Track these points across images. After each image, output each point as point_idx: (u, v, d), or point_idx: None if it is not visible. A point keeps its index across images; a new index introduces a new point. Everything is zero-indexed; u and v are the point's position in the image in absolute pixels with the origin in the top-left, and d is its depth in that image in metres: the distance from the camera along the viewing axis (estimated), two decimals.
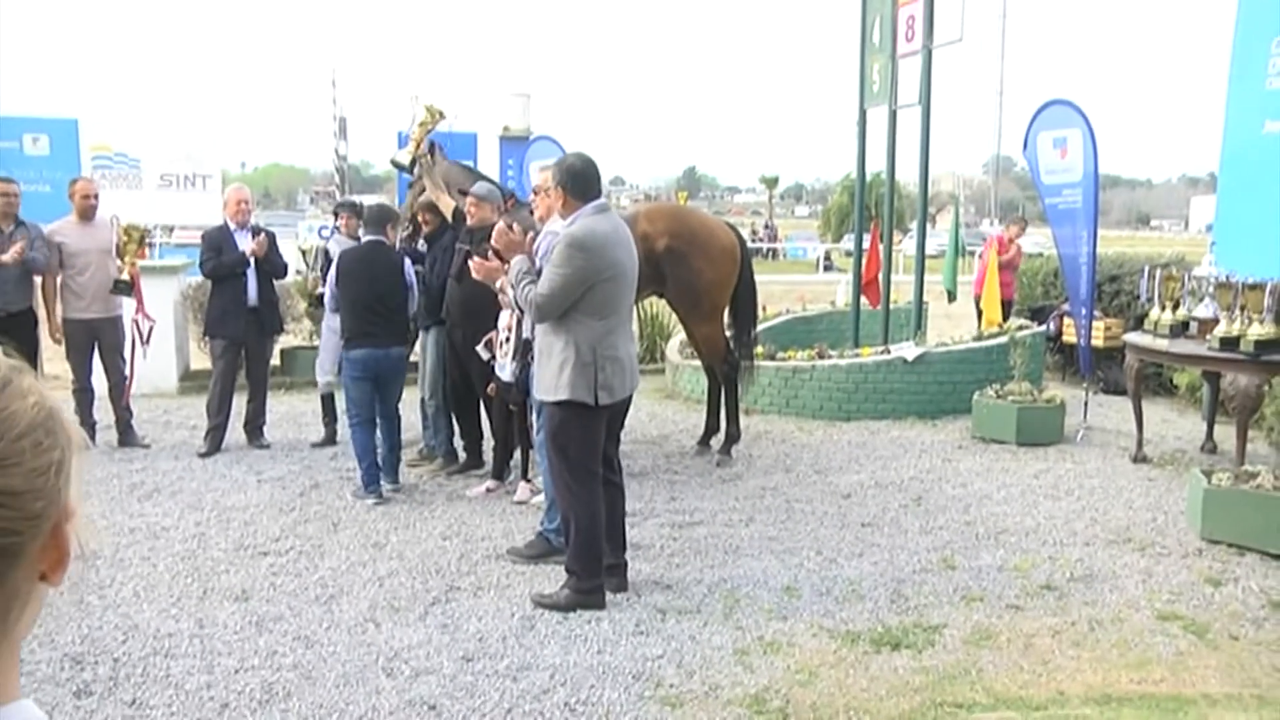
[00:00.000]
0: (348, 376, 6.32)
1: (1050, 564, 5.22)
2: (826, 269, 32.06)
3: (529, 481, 6.40)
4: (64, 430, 0.80)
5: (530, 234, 4.71)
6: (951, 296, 12.05)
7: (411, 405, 7.38)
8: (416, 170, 7.08)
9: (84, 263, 7.30)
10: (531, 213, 6.28)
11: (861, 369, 8.91)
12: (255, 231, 7.54)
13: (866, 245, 10.65)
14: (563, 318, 4.37)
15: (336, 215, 7.98)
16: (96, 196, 7.52)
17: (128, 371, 7.65)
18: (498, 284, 5.06)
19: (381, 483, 6.35)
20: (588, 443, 4.52)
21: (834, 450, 7.76)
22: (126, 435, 7.64)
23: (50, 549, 0.81)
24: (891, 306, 10.26)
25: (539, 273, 4.49)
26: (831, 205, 49.97)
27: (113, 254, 7.40)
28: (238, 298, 7.40)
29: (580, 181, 4.46)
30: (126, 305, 7.58)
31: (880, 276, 10.37)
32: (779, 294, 16.59)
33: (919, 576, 5.03)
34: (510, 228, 4.69)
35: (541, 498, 6.22)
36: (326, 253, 7.71)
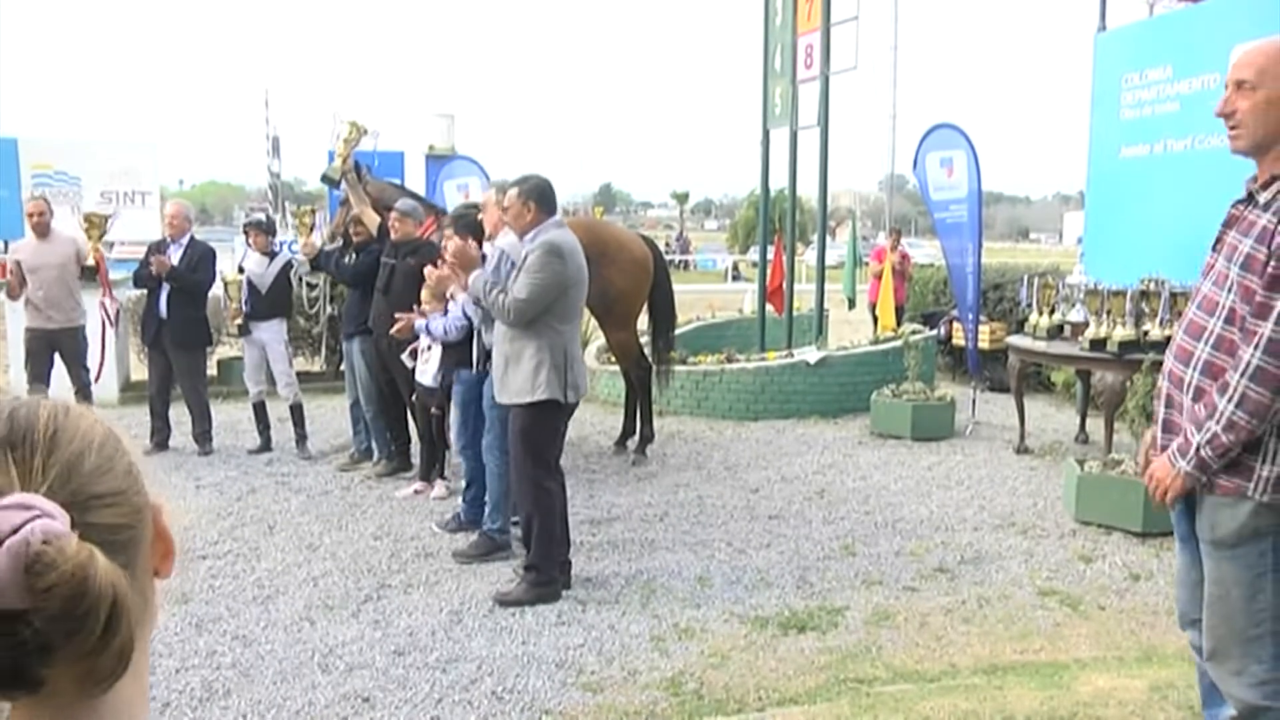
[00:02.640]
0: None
1: (943, 548, 5.35)
2: (734, 279, 32.34)
3: (445, 480, 6.41)
4: (120, 437, 0.87)
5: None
6: (851, 303, 12.31)
7: (341, 411, 7.27)
8: (343, 185, 6.97)
9: (42, 277, 7.26)
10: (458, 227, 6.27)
11: (767, 372, 9.01)
12: (189, 247, 7.39)
13: (771, 256, 10.78)
14: (533, 323, 4.42)
15: (246, 233, 7.76)
16: (46, 214, 7.42)
17: (97, 361, 7.61)
18: (449, 291, 5.09)
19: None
20: (557, 440, 4.61)
21: (743, 448, 7.82)
22: None
23: (157, 540, 0.86)
24: (795, 313, 10.38)
25: (499, 283, 4.54)
26: (739, 219, 50.44)
27: (71, 263, 7.36)
28: (152, 309, 7.38)
29: (547, 198, 4.60)
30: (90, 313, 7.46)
31: (784, 285, 10.50)
32: (690, 302, 16.65)
33: (823, 564, 5.11)
34: (463, 246, 4.82)
35: (439, 489, 6.28)
36: (246, 275, 7.47)
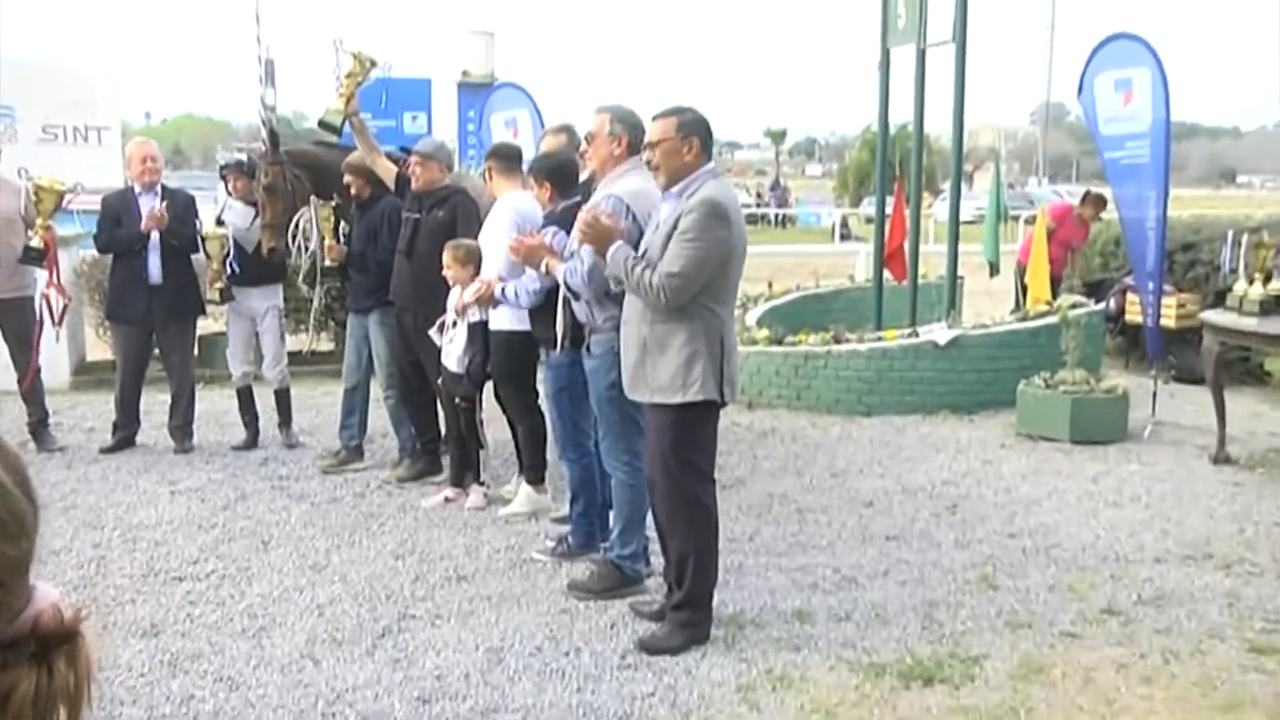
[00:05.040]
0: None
1: (1113, 584, 5.24)
2: (843, 238, 32.03)
3: (483, 485, 6.48)
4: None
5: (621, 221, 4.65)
6: (994, 269, 12.08)
7: (336, 397, 7.50)
8: (348, 130, 7.03)
9: None
10: (487, 178, 6.33)
11: (885, 355, 8.93)
12: (165, 195, 7.51)
13: (890, 210, 10.66)
14: (684, 305, 4.36)
15: (225, 179, 7.86)
16: None
17: (52, 357, 7.79)
18: (543, 266, 5.10)
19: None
20: (712, 449, 4.62)
21: (853, 450, 7.79)
22: (42, 437, 7.66)
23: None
24: (920, 281, 10.28)
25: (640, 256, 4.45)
26: (849, 163, 49.94)
27: (18, 217, 7.34)
28: (137, 275, 7.40)
29: (711, 137, 4.49)
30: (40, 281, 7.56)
31: (906, 246, 10.39)
32: (788, 267, 16.59)
33: (955, 598, 5.06)
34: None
35: (514, 503, 6.29)
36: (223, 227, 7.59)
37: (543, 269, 5.16)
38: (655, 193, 4.66)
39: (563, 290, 5.11)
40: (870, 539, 5.90)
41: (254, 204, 7.49)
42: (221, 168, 8.23)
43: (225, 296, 7.58)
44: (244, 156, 8.43)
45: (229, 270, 7.49)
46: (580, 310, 5.04)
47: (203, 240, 7.57)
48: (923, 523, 6.17)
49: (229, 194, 7.78)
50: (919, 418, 8.69)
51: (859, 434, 8.27)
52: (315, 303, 7.58)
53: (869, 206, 35.83)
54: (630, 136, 4.88)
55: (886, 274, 10.64)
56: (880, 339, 9.18)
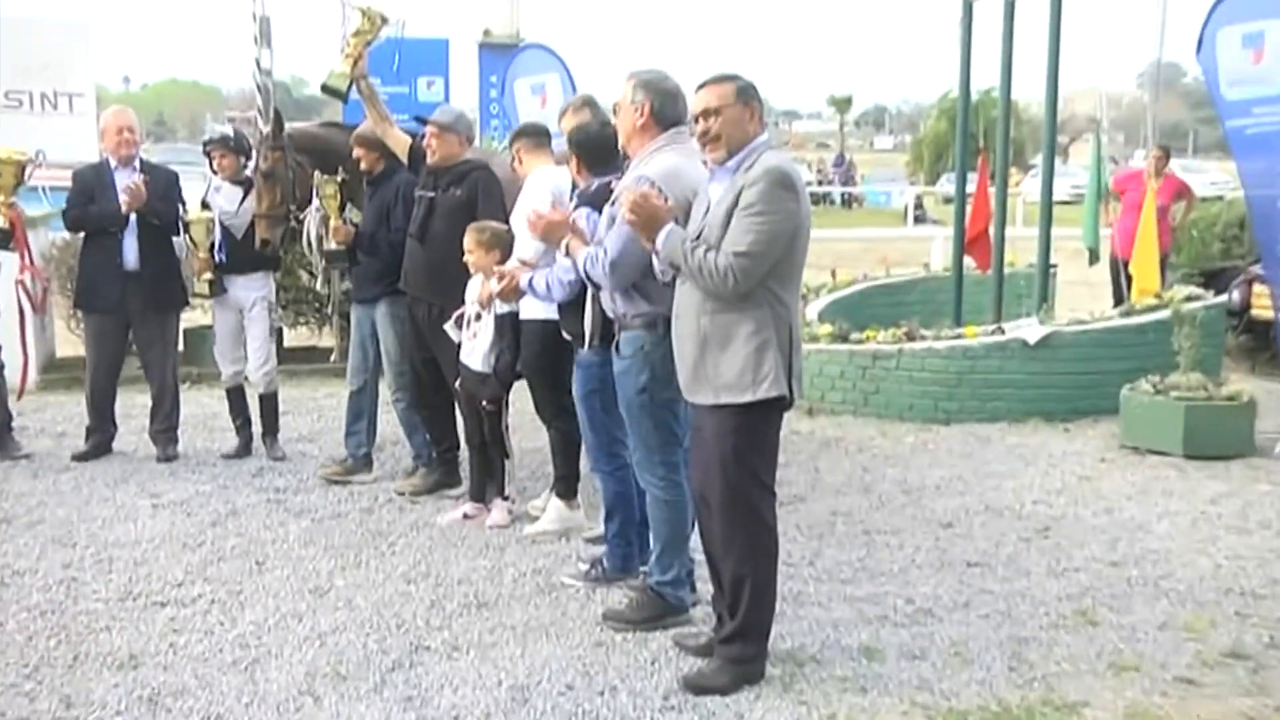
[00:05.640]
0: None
1: (1239, 623, 5.18)
2: (918, 220, 32.05)
3: (507, 500, 6.51)
4: None
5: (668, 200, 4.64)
6: (1092, 256, 12.01)
7: (340, 399, 7.55)
8: (355, 95, 7.05)
9: None
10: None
11: (966, 354, 8.91)
12: (145, 171, 7.57)
13: (972, 188, 10.60)
14: (750, 291, 4.36)
15: (209, 156, 7.86)
16: None
17: (17, 354, 7.70)
18: (564, 246, 5.11)
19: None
20: (775, 456, 4.62)
21: (928, 463, 7.78)
22: (3, 442, 7.76)
23: None
24: (1006, 270, 10.26)
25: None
26: (925, 134, 49.93)
27: None
28: (110, 259, 7.46)
29: (762, 107, 4.53)
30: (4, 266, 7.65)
31: (991, 230, 10.34)
32: (854, 254, 16.58)
33: (1048, 635, 5.03)
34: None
35: (542, 520, 6.32)
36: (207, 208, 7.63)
37: (562, 249, 5.16)
38: (692, 172, 4.69)
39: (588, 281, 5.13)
40: (948, 565, 5.87)
41: (242, 184, 7.57)
42: (205, 143, 8.22)
43: (215, 289, 7.62)
44: (229, 130, 8.54)
45: (216, 259, 7.54)
46: (606, 303, 5.05)
47: (186, 225, 7.59)
48: (1010, 547, 6.14)
49: (214, 172, 7.82)
50: (1005, 426, 8.66)
51: (935, 444, 8.25)
52: (331, 291, 7.63)
53: (947, 184, 35.77)
54: (654, 104, 4.87)
55: (968, 261, 10.61)
56: (960, 336, 9.14)
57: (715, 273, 4.29)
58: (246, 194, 7.53)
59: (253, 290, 7.70)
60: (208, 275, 7.57)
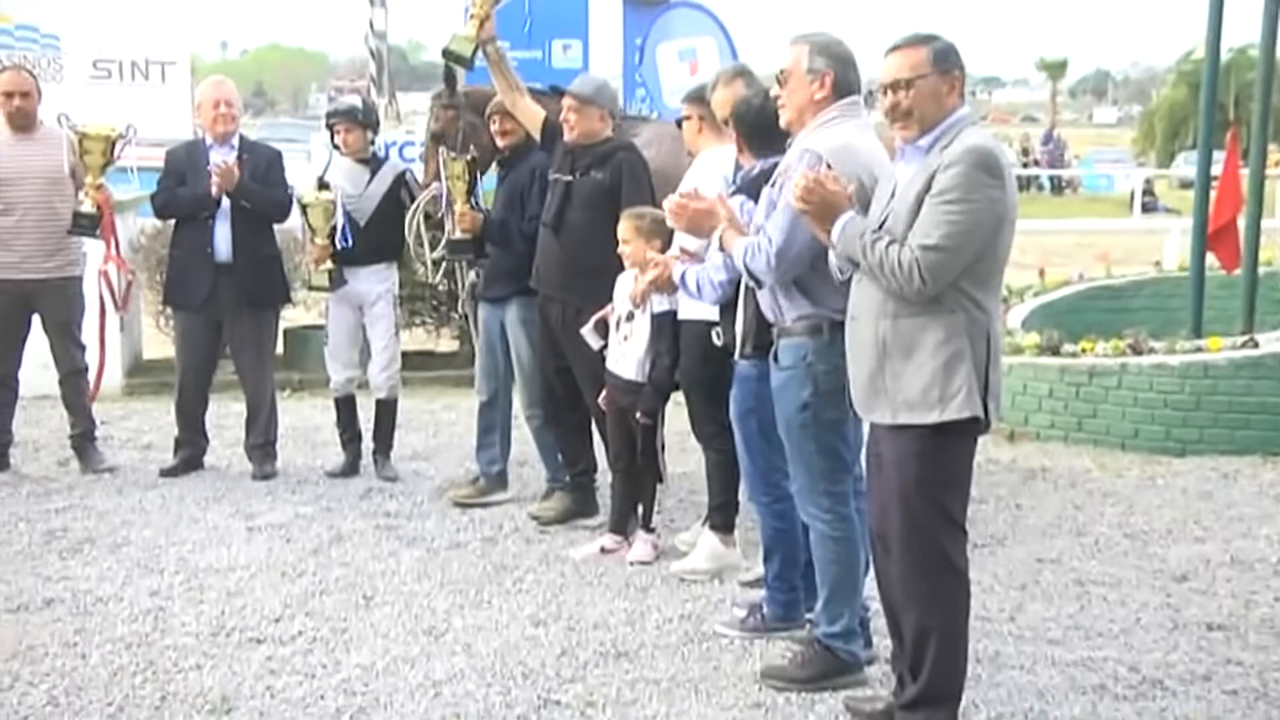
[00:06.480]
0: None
1: None
2: (1146, 209, 31.24)
3: (652, 533, 6.58)
4: None
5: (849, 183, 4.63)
6: None
7: (469, 411, 7.68)
8: (480, 62, 7.12)
9: (15, 195, 7.60)
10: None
11: (1207, 372, 8.77)
12: (243, 149, 7.81)
13: (1218, 169, 10.41)
14: (941, 292, 4.33)
15: (331, 130, 7.99)
16: (33, 94, 7.70)
17: (93, 357, 7.99)
18: (716, 237, 5.10)
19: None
20: (967, 488, 4.59)
21: (1158, 502, 7.66)
22: (87, 453, 8.05)
23: None
24: (1261, 270, 10.07)
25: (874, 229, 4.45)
26: (1157, 104, 48.69)
27: (65, 176, 7.68)
28: (200, 250, 7.67)
29: (964, 75, 4.53)
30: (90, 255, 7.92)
31: (1241, 221, 10.16)
32: (1066, 250, 16.29)
33: None
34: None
35: (692, 557, 6.36)
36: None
37: (714, 242, 5.13)
38: (867, 149, 4.69)
39: (744, 278, 5.10)
40: (1183, 628, 5.76)
41: (367, 162, 7.77)
42: (329, 115, 8.32)
43: (336, 281, 7.70)
44: (357, 100, 8.60)
45: (337, 246, 7.63)
46: (764, 303, 5.04)
47: (304, 208, 7.69)
48: (1264, 608, 6.02)
49: (337, 149, 7.95)
50: (1256, 461, 8.50)
51: (1167, 480, 8.11)
52: (461, 288, 7.72)
53: (1186, 165, 34.63)
54: (838, 73, 4.87)
55: (1211, 259, 10.38)
56: (1200, 350, 8.99)
57: (900, 269, 4.22)
58: (374, 175, 7.74)
59: (376, 283, 7.82)
60: (327, 265, 7.66)
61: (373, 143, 8.02)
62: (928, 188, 4.25)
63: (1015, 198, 4.46)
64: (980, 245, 4.27)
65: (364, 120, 7.87)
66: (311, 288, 8.15)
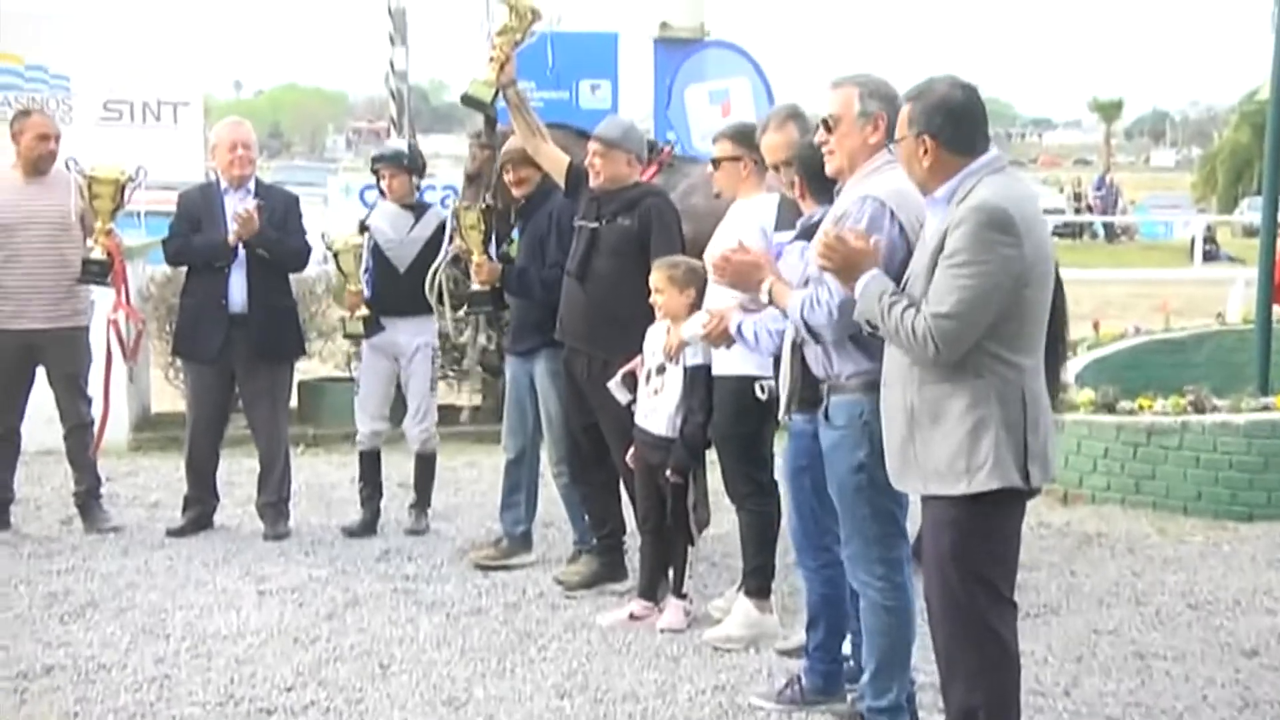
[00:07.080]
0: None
1: None
2: (1208, 258, 31.33)
3: (684, 599, 6.49)
4: None
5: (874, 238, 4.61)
6: None
7: (493, 468, 7.64)
8: (500, 105, 7.15)
9: (22, 241, 7.58)
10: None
11: (1275, 431, 8.67)
12: (259, 194, 7.78)
13: None
14: (964, 357, 4.30)
15: (377, 175, 8.10)
16: (51, 137, 7.70)
17: (96, 409, 7.92)
18: (764, 292, 4.99)
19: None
20: (1013, 559, 4.52)
21: (1224, 570, 7.55)
22: (91, 511, 7.98)
23: None
24: None
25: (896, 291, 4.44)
26: (1219, 147, 48.88)
27: (73, 221, 7.65)
28: (214, 299, 7.63)
29: (969, 124, 4.41)
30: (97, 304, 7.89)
31: None
32: (1123, 300, 16.28)
33: None
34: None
35: (726, 624, 6.28)
36: (370, 238, 7.76)
37: (764, 295, 5.04)
38: (919, 197, 4.62)
39: (792, 331, 5.04)
40: (1253, 706, 5.66)
41: (412, 208, 7.78)
42: (374, 160, 8.41)
43: (371, 328, 7.71)
44: (404, 145, 8.68)
45: (371, 293, 7.68)
46: (814, 360, 4.98)
47: (335, 255, 7.74)
48: None
49: (381, 194, 8.05)
50: None
51: (1233, 547, 8.02)
52: (480, 338, 7.73)
53: (1250, 211, 34.80)
54: (891, 117, 4.79)
55: (1278, 311, 10.28)
56: (1268, 408, 8.92)
57: (914, 336, 4.22)
58: (418, 220, 7.74)
59: (415, 335, 7.82)
60: (363, 311, 7.68)
61: (418, 188, 8.05)
62: (941, 246, 4.23)
63: (1045, 250, 4.40)
64: (999, 308, 4.22)
65: (410, 165, 7.91)
66: (347, 335, 8.16)
